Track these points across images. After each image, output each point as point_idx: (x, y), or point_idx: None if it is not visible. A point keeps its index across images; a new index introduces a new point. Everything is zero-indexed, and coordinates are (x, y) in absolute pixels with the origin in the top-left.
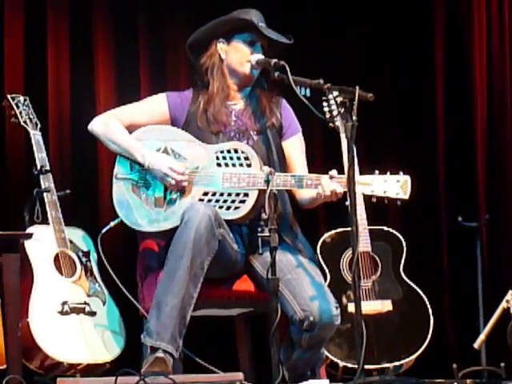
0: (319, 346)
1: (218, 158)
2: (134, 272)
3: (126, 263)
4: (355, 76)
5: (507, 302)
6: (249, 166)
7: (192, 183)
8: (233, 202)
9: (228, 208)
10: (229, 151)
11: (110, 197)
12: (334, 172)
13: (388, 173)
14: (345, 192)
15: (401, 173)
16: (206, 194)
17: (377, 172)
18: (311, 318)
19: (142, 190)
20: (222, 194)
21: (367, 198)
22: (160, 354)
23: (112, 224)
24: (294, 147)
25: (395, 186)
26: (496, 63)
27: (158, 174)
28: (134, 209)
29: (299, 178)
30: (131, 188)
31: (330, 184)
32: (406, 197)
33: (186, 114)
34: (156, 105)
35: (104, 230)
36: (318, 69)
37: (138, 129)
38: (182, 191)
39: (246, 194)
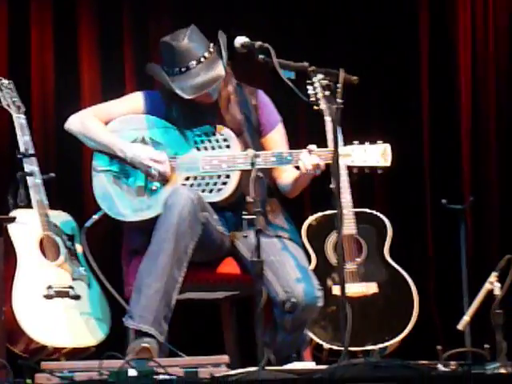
0: (302, 327)
1: (196, 142)
2: (119, 256)
3: (113, 246)
4: (340, 59)
5: (491, 283)
6: (228, 147)
7: (173, 169)
8: (215, 184)
9: (210, 191)
10: (206, 134)
11: (92, 186)
12: (312, 146)
13: (367, 142)
14: (327, 168)
15: (379, 142)
16: (187, 178)
17: (356, 142)
18: (293, 300)
19: (122, 180)
20: (203, 178)
21: (352, 177)
22: (145, 344)
23: (96, 217)
24: (275, 141)
25: (375, 154)
26: (480, 39)
27: (141, 167)
28: (117, 200)
29: (278, 154)
30: (112, 179)
31: (310, 157)
32: (388, 164)
33: (161, 113)
34: (132, 103)
35: (88, 224)
36: (302, 51)
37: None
38: (165, 179)
39: (227, 176)
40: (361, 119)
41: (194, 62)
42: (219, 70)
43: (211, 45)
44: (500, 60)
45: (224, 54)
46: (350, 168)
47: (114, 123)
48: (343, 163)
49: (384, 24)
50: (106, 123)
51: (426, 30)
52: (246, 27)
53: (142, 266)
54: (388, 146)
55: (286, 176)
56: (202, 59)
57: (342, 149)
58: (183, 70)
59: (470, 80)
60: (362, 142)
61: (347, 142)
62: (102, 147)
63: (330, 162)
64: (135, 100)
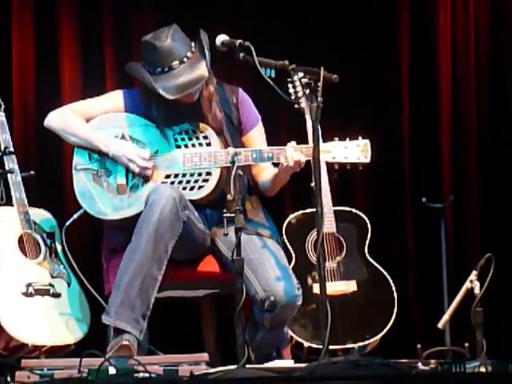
0: (281, 326)
1: (176, 140)
2: (99, 254)
3: (93, 244)
4: (320, 58)
5: (471, 282)
6: (208, 144)
7: (154, 167)
8: (196, 181)
9: (192, 188)
10: (187, 132)
11: (72, 184)
12: (293, 143)
13: (347, 139)
14: (308, 167)
15: (360, 137)
16: (168, 176)
17: (336, 139)
18: (272, 298)
19: (103, 178)
20: (184, 175)
21: (332, 175)
22: (125, 342)
23: (75, 216)
24: (255, 139)
25: (356, 150)
26: (460, 39)
27: (122, 161)
28: (97, 198)
29: (258, 151)
30: (92, 177)
31: (290, 153)
32: (367, 160)
33: (141, 112)
34: (112, 101)
35: (68, 223)
36: (283, 50)
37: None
38: (146, 176)
39: (208, 174)
40: (341, 118)
41: (177, 62)
42: (202, 70)
43: (193, 44)
44: (481, 60)
45: (207, 53)
46: (331, 164)
47: (95, 121)
48: (324, 159)
49: (364, 23)
50: (86, 120)
51: (406, 30)
52: (227, 25)
53: (122, 263)
54: (368, 142)
55: (266, 174)
56: (185, 59)
57: (322, 145)
58: (166, 69)
59: (451, 80)
60: (342, 139)
61: (328, 138)
62: (84, 142)
63: (310, 157)
64: (115, 98)
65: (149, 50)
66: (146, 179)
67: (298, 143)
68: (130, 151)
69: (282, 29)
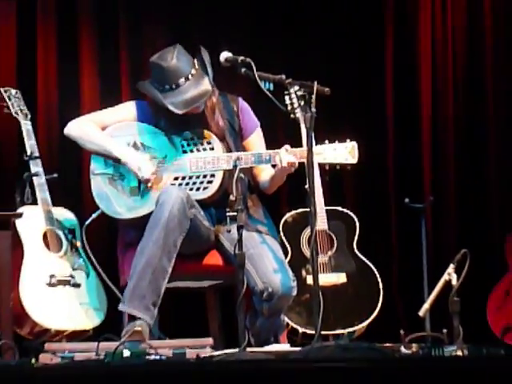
0: (278, 314)
1: (183, 146)
2: (115, 249)
3: (110, 240)
4: (314, 72)
5: (449, 274)
6: (212, 149)
7: (163, 171)
8: (201, 183)
9: (197, 189)
10: (192, 138)
11: (90, 187)
12: (287, 146)
13: (336, 141)
14: (303, 171)
15: (348, 140)
16: (176, 178)
17: (327, 141)
18: (270, 290)
19: (117, 182)
20: (190, 177)
21: (324, 177)
22: (138, 328)
23: (94, 216)
24: (254, 143)
25: (344, 152)
26: (439, 54)
27: (131, 169)
28: (113, 199)
29: (258, 155)
30: (108, 181)
31: (286, 156)
32: (355, 161)
33: (151, 121)
34: (125, 111)
35: (87, 222)
36: (280, 65)
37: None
38: (150, 186)
39: (212, 176)
40: (332, 123)
41: (182, 80)
42: (206, 85)
43: (195, 61)
44: (458, 60)
45: (209, 70)
46: (322, 165)
47: (109, 129)
48: (316, 161)
49: (352, 39)
50: (102, 129)
51: (390, 44)
52: (229, 41)
53: (136, 257)
54: (355, 144)
55: (265, 174)
56: (190, 76)
57: (314, 148)
58: (173, 87)
59: (430, 90)
60: (332, 142)
61: (319, 141)
62: (101, 150)
63: (303, 160)
64: (128, 109)
65: (157, 70)
66: (150, 188)
67: (292, 147)
68: (140, 161)
69: (279, 45)
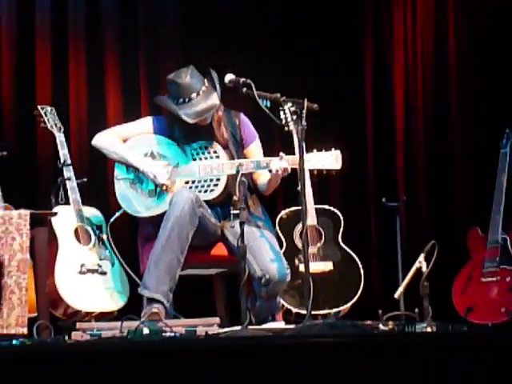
0: (275, 297)
1: (193, 155)
2: (136, 242)
3: (131, 235)
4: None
5: (419, 262)
6: (217, 157)
7: (175, 176)
8: (208, 186)
9: (205, 191)
10: (200, 148)
11: (114, 190)
12: (282, 154)
13: (323, 150)
14: (295, 175)
15: (333, 149)
16: (186, 182)
17: (315, 150)
18: (267, 276)
19: (137, 185)
20: (199, 181)
21: (313, 180)
22: (155, 310)
23: (117, 214)
24: (253, 151)
25: (330, 159)
26: (411, 76)
27: (148, 176)
28: (134, 200)
29: (256, 162)
30: (129, 185)
31: (280, 163)
32: (339, 167)
33: (165, 133)
34: (143, 125)
35: (112, 219)
36: (276, 85)
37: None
38: (166, 189)
39: (218, 179)
40: (320, 136)
41: (194, 94)
42: (215, 99)
43: (205, 80)
44: (426, 79)
45: (218, 88)
46: (310, 171)
47: (130, 141)
48: (305, 167)
49: (338, 65)
50: (124, 141)
51: (369, 69)
52: (233, 66)
53: (154, 249)
54: (339, 153)
55: (262, 178)
56: (201, 92)
57: (304, 156)
58: (187, 100)
59: (403, 104)
60: (319, 150)
61: (308, 150)
62: (122, 159)
63: (295, 166)
64: (146, 123)
65: (173, 86)
66: (166, 191)
67: (286, 155)
68: (155, 170)
69: (275, 69)
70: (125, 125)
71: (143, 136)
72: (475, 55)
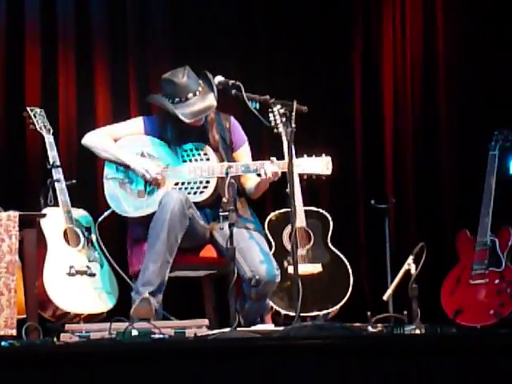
0: (264, 298)
1: (183, 156)
2: (125, 243)
3: (120, 235)
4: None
5: (408, 264)
6: (208, 159)
7: (165, 177)
8: (198, 188)
9: (195, 193)
10: (191, 150)
11: (103, 190)
12: (273, 158)
13: (313, 155)
14: (283, 176)
15: (323, 155)
16: (176, 183)
17: (305, 155)
18: (257, 277)
19: (127, 185)
20: (189, 183)
21: (303, 183)
22: (146, 295)
23: (106, 213)
24: (242, 155)
25: (320, 165)
26: (400, 76)
27: (139, 172)
28: (123, 200)
29: (246, 165)
30: (119, 185)
31: (271, 167)
32: (329, 172)
33: (157, 134)
34: (134, 125)
35: (100, 219)
36: (265, 86)
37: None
38: (158, 184)
39: (207, 182)
40: (309, 139)
41: (191, 94)
42: (211, 100)
43: (200, 81)
44: (415, 79)
45: (215, 89)
46: (301, 175)
47: (121, 141)
48: (296, 172)
49: (328, 68)
50: (114, 140)
51: (358, 69)
52: (222, 68)
53: (146, 252)
54: (330, 159)
55: (250, 182)
56: (197, 92)
57: (294, 160)
58: (183, 100)
59: (392, 106)
60: (309, 155)
61: (298, 155)
62: (112, 157)
63: (285, 170)
64: (137, 123)
65: (169, 85)
66: (158, 186)
67: (275, 156)
68: (146, 165)
69: (264, 70)
70: (116, 124)
71: (134, 136)
72: (464, 55)
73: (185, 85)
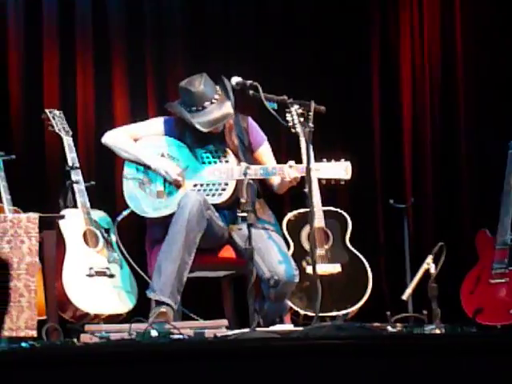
0: (283, 298)
1: (202, 158)
2: (144, 244)
3: (139, 237)
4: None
5: (427, 264)
6: (227, 161)
7: (184, 178)
8: (216, 190)
9: (213, 195)
10: (211, 152)
11: (122, 190)
12: (291, 162)
13: (333, 160)
14: (302, 178)
15: (342, 160)
16: (195, 185)
17: (324, 160)
18: (276, 277)
19: (146, 185)
20: (208, 185)
21: (321, 184)
22: (163, 309)
23: (125, 213)
24: (263, 154)
25: (339, 169)
26: (418, 76)
27: (160, 173)
28: (142, 200)
29: (265, 168)
30: (138, 185)
31: (290, 171)
32: (348, 177)
33: (176, 136)
34: (154, 126)
35: (119, 219)
36: (283, 87)
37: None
38: (178, 185)
39: (226, 184)
40: (328, 141)
41: (208, 103)
42: (228, 108)
43: (217, 87)
44: (434, 79)
45: (231, 96)
46: (319, 180)
47: (141, 141)
48: (314, 176)
49: (345, 63)
50: (134, 140)
51: (376, 69)
52: (240, 68)
53: (161, 251)
54: (349, 164)
55: (275, 179)
56: (214, 100)
57: (313, 164)
58: (200, 108)
59: (411, 107)
60: (329, 160)
61: (317, 158)
62: (132, 157)
63: (305, 174)
64: (157, 123)
65: (186, 93)
66: (178, 187)
67: (293, 158)
68: (167, 166)
69: (281, 70)
70: (135, 124)
71: (154, 137)
72: (483, 54)
73: (201, 93)
